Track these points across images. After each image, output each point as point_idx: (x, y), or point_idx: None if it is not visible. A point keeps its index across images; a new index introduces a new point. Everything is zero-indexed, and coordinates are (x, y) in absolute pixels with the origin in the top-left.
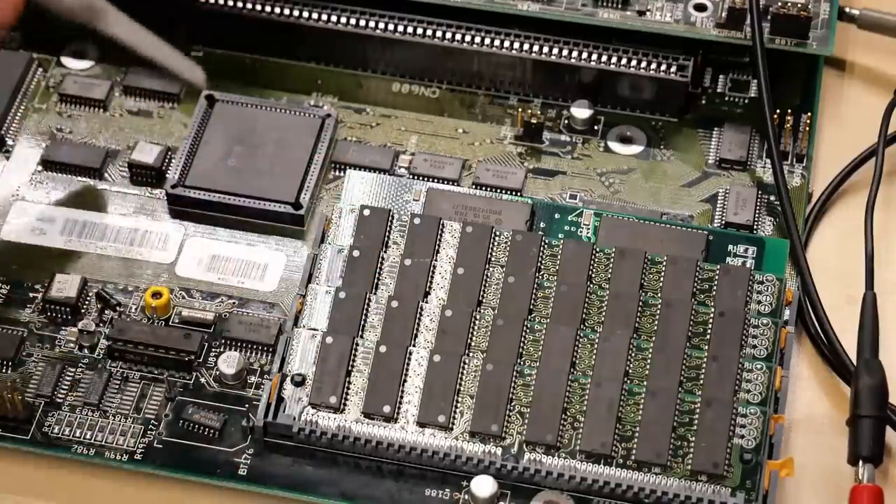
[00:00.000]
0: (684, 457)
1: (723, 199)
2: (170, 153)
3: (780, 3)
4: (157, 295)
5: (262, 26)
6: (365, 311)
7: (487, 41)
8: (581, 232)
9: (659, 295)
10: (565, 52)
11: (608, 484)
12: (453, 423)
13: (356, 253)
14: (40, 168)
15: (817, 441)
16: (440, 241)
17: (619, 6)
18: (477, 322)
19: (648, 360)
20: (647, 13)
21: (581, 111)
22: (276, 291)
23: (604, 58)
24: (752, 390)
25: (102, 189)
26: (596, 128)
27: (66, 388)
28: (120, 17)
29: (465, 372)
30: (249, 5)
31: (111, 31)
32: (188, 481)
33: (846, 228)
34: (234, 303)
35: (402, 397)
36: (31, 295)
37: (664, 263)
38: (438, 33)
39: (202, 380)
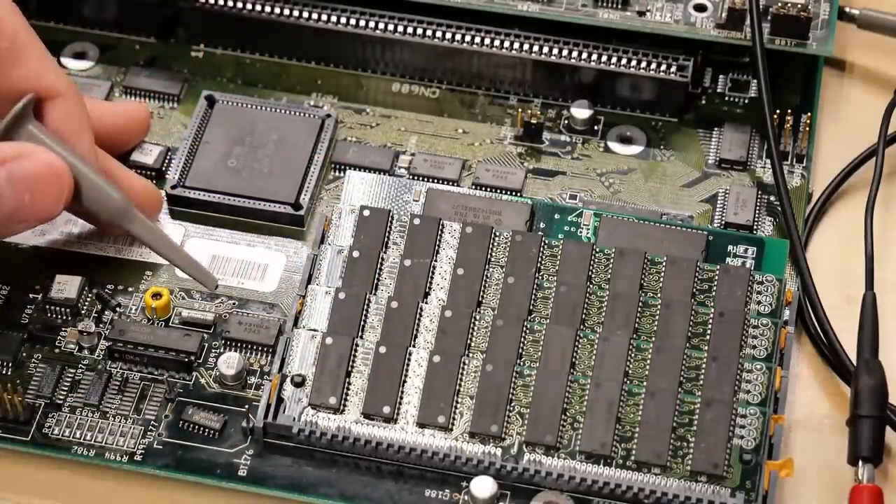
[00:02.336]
0: (684, 457)
1: (723, 199)
2: (170, 153)
3: (780, 4)
4: (157, 296)
5: (263, 26)
6: (365, 312)
7: (487, 41)
8: (581, 232)
9: (659, 295)
10: (565, 52)
11: (608, 484)
12: (453, 424)
13: (356, 253)
14: None
15: (817, 441)
16: (440, 241)
17: (619, 6)
18: (477, 323)
19: (648, 361)
20: (647, 13)
21: (581, 111)
22: (275, 292)
23: (604, 58)
24: (751, 391)
25: None
26: (596, 128)
27: (66, 389)
28: (147, 223)
29: (464, 372)
30: (249, 5)
31: (136, 232)
32: (188, 482)
33: (846, 228)
34: (233, 303)
35: (401, 398)
36: (31, 296)
37: (664, 264)
38: (438, 33)
39: (202, 380)
